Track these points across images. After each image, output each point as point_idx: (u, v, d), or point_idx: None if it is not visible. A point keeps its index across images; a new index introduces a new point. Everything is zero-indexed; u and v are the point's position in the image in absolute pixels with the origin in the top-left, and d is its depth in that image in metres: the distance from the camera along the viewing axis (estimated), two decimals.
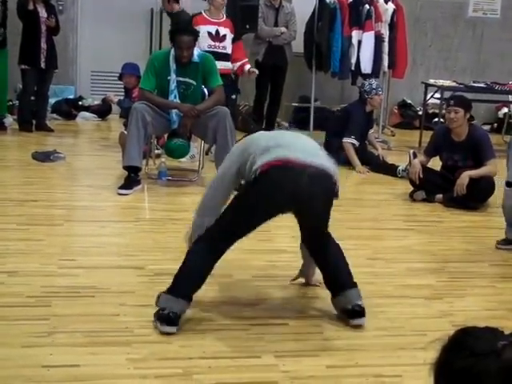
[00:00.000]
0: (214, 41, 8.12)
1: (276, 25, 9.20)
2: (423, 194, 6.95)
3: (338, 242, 4.14)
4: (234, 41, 8.29)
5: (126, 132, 7.01)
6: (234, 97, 8.07)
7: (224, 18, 8.26)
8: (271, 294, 4.42)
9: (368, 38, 9.65)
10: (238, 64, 8.35)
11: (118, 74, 8.89)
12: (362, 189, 7.60)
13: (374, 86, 8.37)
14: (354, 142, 8.14)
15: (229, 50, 8.20)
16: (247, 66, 8.45)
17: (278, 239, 5.56)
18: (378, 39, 9.74)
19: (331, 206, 3.95)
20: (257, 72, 8.53)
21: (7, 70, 9.26)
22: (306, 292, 4.46)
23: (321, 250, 4.14)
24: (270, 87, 9.38)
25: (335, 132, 8.38)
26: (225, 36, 8.19)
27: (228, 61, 8.10)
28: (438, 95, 9.59)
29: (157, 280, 4.49)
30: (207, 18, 8.20)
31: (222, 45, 8.17)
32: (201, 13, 8.29)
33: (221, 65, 7.50)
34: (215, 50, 7.93)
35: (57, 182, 7.03)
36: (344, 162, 8.15)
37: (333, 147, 8.30)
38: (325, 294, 4.24)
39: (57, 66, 9.53)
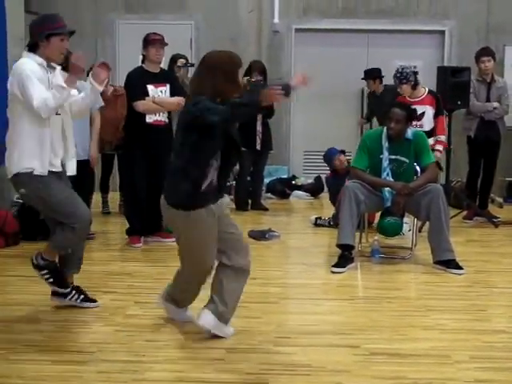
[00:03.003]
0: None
1: (488, 100, 9.04)
2: None
3: None
4: (437, 115, 8.26)
5: None
6: None
7: (423, 96, 8.26)
8: (490, 377, 4.28)
9: None
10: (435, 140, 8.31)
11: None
12: None
13: None
14: None
15: (427, 128, 8.16)
16: (437, 147, 8.37)
17: (496, 319, 5.40)
18: None
19: None
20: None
21: None
22: None
23: None
24: (483, 162, 9.19)
25: None
26: (422, 114, 8.19)
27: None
28: None
29: (373, 360, 4.50)
30: (407, 99, 8.23)
31: (419, 123, 8.16)
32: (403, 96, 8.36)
33: None
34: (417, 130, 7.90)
35: (272, 259, 7.20)
36: None
37: None
38: None
39: (271, 148, 9.88)
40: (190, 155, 4.48)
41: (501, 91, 9.05)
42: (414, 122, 8.08)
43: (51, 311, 5.41)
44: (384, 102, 8.99)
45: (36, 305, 5.54)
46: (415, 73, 8.27)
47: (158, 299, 5.26)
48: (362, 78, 10.36)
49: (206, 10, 11.04)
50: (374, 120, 10.61)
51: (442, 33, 11.12)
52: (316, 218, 8.78)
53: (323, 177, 10.63)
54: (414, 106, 8.09)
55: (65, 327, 5.06)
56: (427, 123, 8.22)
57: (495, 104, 8.97)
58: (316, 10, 11.11)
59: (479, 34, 10.94)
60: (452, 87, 8.76)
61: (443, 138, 8.44)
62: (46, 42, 5.04)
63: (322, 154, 9.64)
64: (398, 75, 8.24)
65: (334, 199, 8.57)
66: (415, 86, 8.23)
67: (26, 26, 9.23)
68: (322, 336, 4.97)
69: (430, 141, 8.08)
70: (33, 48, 5.09)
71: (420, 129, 7.95)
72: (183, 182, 4.51)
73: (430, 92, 8.33)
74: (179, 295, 5.11)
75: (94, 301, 5.52)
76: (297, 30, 11.21)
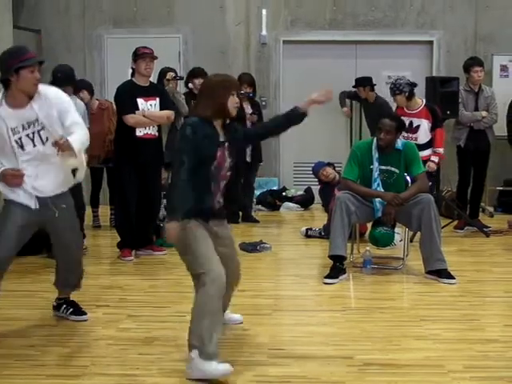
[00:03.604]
0: (407, 132, 8.17)
1: (476, 109, 9.07)
2: None
3: None
4: (435, 128, 8.28)
5: None
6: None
7: (420, 109, 8.28)
8: None
9: None
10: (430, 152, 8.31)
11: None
12: None
13: None
14: None
15: (421, 141, 8.18)
16: (432, 158, 8.37)
17: (489, 328, 5.39)
18: None
19: None
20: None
21: None
22: None
23: None
24: (473, 172, 9.21)
25: None
26: (418, 127, 8.23)
27: (419, 150, 8.05)
28: None
29: (366, 370, 4.49)
30: (404, 110, 8.26)
31: (414, 136, 8.21)
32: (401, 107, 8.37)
33: None
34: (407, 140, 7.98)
35: (264, 271, 7.19)
36: None
37: None
38: None
39: (261, 159, 9.89)
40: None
41: (489, 100, 9.09)
42: (410, 135, 8.14)
43: (44, 325, 5.39)
44: (375, 112, 9.02)
45: (28, 319, 5.52)
46: (411, 84, 8.27)
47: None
48: (353, 86, 10.35)
49: (194, 24, 11.05)
50: (365, 129, 10.65)
51: (430, 43, 11.15)
52: (307, 230, 8.77)
53: (313, 188, 10.66)
54: (410, 119, 8.13)
55: (58, 341, 5.03)
56: (422, 136, 8.24)
57: (484, 113, 9.00)
58: (304, 21, 11.14)
59: (467, 44, 10.99)
60: (441, 97, 8.81)
61: (441, 150, 8.40)
62: (15, 76, 4.92)
63: (312, 165, 9.69)
64: (392, 86, 8.28)
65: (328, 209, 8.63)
66: (410, 97, 8.24)
67: (15, 41, 9.27)
68: (315, 347, 4.96)
69: (426, 152, 8.12)
70: (6, 84, 4.98)
71: (415, 142, 7.99)
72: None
73: (426, 105, 8.34)
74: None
75: (83, 313, 5.51)
76: (285, 42, 11.22)
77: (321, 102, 4.83)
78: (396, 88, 8.21)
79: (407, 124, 8.18)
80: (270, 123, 5.12)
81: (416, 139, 8.15)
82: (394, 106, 8.91)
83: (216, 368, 4.31)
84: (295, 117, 4.80)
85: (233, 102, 4.67)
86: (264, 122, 5.01)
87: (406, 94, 8.19)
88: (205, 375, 4.31)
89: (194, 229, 4.58)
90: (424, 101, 8.38)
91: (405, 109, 8.29)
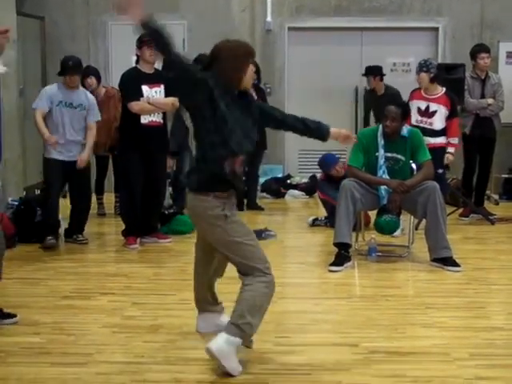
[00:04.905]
0: (421, 116, 8.14)
1: (482, 96, 9.03)
2: None
3: None
4: (451, 117, 8.23)
5: None
6: (440, 171, 7.96)
7: (439, 94, 8.21)
8: (491, 374, 4.26)
9: None
10: (444, 140, 8.24)
11: (324, 152, 9.02)
12: None
13: None
14: None
15: (436, 126, 8.14)
16: (449, 150, 8.30)
17: (495, 316, 5.39)
18: None
19: None
20: None
21: None
22: None
23: None
24: (479, 159, 9.19)
25: None
26: (434, 112, 8.17)
27: (433, 136, 8.03)
28: None
29: (372, 358, 4.48)
30: (422, 94, 8.22)
31: (429, 121, 8.15)
32: (418, 89, 8.32)
33: (426, 140, 7.49)
34: (421, 124, 7.95)
35: (269, 259, 7.15)
36: None
37: None
38: None
39: (266, 147, 9.86)
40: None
41: (496, 87, 9.04)
42: (424, 119, 8.10)
43: (48, 313, 5.38)
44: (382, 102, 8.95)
45: (33, 307, 5.51)
46: (439, 69, 8.23)
47: None
48: (363, 74, 10.20)
49: (199, 10, 11.02)
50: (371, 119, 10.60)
51: (436, 30, 11.11)
52: (313, 220, 8.72)
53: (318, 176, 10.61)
54: (427, 103, 8.10)
55: (62, 329, 5.03)
56: (438, 122, 8.17)
57: (490, 100, 8.95)
58: (309, 8, 11.10)
59: (473, 31, 10.94)
60: (447, 84, 8.74)
61: (457, 140, 8.37)
62: None
63: (318, 152, 9.59)
64: (422, 62, 8.19)
65: (325, 203, 8.59)
66: (434, 79, 8.17)
67: (19, 28, 9.25)
68: (321, 335, 4.95)
69: (440, 140, 8.08)
70: None
71: (429, 127, 7.96)
72: None
73: (446, 92, 8.27)
74: None
75: (12, 316, 5.20)
76: (290, 29, 11.19)
77: (342, 141, 4.76)
78: (425, 65, 8.13)
79: (423, 108, 8.16)
80: (293, 119, 4.65)
81: (431, 124, 8.12)
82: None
83: (238, 366, 4.27)
84: (319, 133, 4.65)
85: (251, 73, 4.41)
86: (287, 115, 4.64)
87: (432, 74, 8.13)
88: (228, 365, 4.21)
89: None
90: (444, 89, 8.28)
91: (422, 93, 8.23)
